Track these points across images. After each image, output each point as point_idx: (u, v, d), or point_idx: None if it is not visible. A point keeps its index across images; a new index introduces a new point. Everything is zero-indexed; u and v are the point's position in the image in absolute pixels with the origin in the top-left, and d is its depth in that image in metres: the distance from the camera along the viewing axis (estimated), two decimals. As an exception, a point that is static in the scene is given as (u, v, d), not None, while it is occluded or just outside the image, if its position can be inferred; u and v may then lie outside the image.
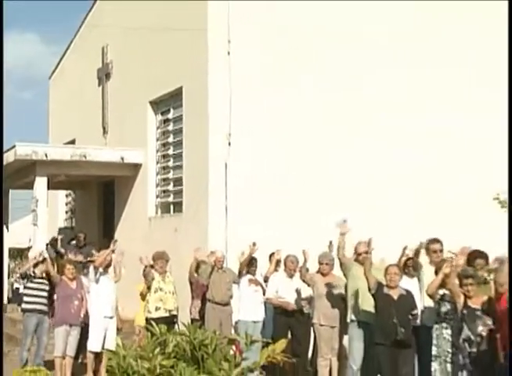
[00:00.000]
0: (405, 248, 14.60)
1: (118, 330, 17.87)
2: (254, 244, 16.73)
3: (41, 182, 21.79)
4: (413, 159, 19.96)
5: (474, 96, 20.84)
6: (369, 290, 14.12)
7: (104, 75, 25.63)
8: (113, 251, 17.37)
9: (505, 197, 17.68)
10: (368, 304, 14.28)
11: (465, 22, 21.10)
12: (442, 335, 13.27)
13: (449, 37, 20.80)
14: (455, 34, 20.91)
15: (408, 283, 14.43)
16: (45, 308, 17.15)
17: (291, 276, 16.45)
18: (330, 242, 15.74)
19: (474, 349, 12.59)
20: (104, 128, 25.42)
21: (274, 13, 19.29)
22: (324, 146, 19.31)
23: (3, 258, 16.33)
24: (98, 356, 16.63)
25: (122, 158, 22.57)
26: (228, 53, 19.06)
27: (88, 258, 17.91)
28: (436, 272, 13.64)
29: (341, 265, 15.05)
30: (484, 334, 12.57)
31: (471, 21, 21.21)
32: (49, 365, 16.57)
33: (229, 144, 19.03)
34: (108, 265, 17.47)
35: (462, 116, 20.65)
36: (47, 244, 23.28)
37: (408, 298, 14.03)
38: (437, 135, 20.33)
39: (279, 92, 19.14)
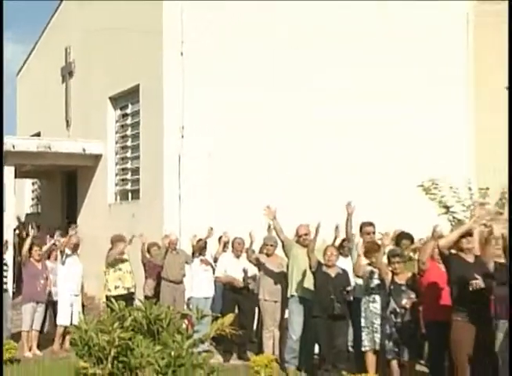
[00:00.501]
0: (336, 228, 14.85)
1: (84, 306, 18.00)
2: (212, 229, 16.90)
3: (8, 172, 21.69)
4: (353, 147, 20.11)
5: (413, 90, 20.98)
6: (310, 268, 14.30)
7: (67, 73, 25.55)
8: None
9: (429, 184, 18.01)
10: (307, 281, 14.48)
11: (411, 20, 21.19)
12: (369, 308, 13.52)
13: (395, 35, 20.89)
14: (401, 30, 21.00)
15: (343, 263, 14.64)
16: (5, 286, 17.13)
17: (238, 257, 16.60)
18: (269, 225, 15.88)
19: (399, 320, 12.86)
20: (67, 122, 25.36)
21: (224, 14, 19.32)
22: (270, 138, 19.40)
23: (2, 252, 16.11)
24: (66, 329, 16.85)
25: (84, 149, 22.57)
26: (182, 54, 19.13)
27: (52, 242, 17.93)
28: (365, 253, 13.91)
29: (283, 246, 15.19)
30: (408, 306, 12.84)
31: (417, 19, 21.31)
32: (16, 338, 16.63)
33: (182, 137, 19.13)
34: (75, 249, 17.60)
35: (402, 108, 20.84)
36: (14, 229, 23.32)
37: (343, 275, 14.23)
38: (375, 127, 20.47)
39: (229, 89, 19.22)
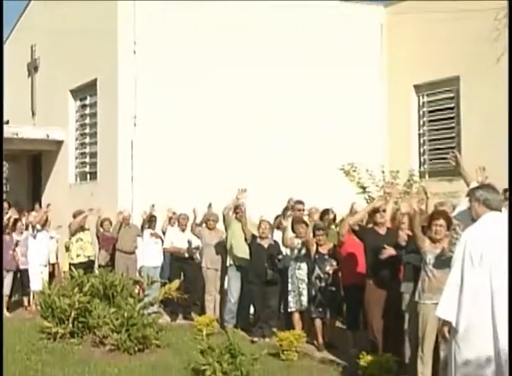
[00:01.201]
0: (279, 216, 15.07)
1: (51, 274, 18.10)
2: (153, 206, 17.00)
3: (-21, 156, 21.59)
4: (287, 137, 20.18)
5: (338, 89, 21.12)
6: (246, 240, 14.53)
7: (33, 68, 25.31)
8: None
9: (349, 168, 18.29)
10: (243, 251, 14.68)
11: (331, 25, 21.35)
12: (296, 275, 13.70)
13: (320, 38, 21.04)
14: (324, 35, 21.14)
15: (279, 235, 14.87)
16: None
17: (183, 230, 16.71)
18: (210, 204, 16.14)
19: (323, 284, 13.09)
20: (33, 112, 25.14)
21: (174, 15, 19.31)
22: (211, 127, 19.45)
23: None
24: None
25: (47, 136, 22.47)
26: (134, 52, 19.19)
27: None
28: (292, 227, 14.15)
29: (224, 221, 15.39)
30: (330, 272, 13.06)
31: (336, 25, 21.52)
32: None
33: (135, 125, 19.21)
34: (44, 224, 17.71)
35: (330, 105, 20.97)
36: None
37: (275, 246, 14.47)
38: (305, 121, 20.58)
39: (177, 83, 19.23)
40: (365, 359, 10.27)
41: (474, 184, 8.66)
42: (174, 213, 16.93)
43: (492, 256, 7.63)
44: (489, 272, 7.61)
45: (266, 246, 14.39)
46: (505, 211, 8.17)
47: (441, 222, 10.29)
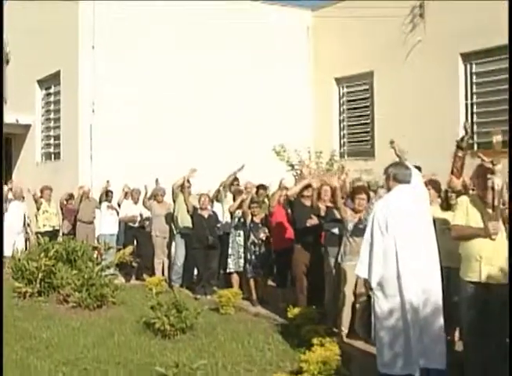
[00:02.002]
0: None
1: (27, 240, 17.95)
2: (108, 182, 16.90)
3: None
4: (227, 119, 20.27)
5: (271, 80, 21.24)
6: (188, 212, 14.55)
7: (5, 61, 25.09)
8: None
9: (279, 148, 18.41)
10: (187, 221, 14.70)
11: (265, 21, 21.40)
12: (236, 241, 13.77)
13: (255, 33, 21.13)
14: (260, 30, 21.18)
15: (218, 207, 14.95)
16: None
17: (136, 203, 16.65)
18: (157, 179, 16.14)
19: (257, 249, 13.18)
20: (4, 99, 24.90)
21: (129, 13, 19.19)
22: (160, 110, 19.40)
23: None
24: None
25: (17, 120, 22.16)
26: (93, 47, 19.03)
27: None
28: (234, 198, 14.20)
29: (173, 194, 15.37)
30: (263, 238, 13.14)
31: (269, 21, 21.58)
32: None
33: (93, 111, 19.09)
34: (18, 197, 17.52)
35: (264, 94, 21.15)
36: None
37: (214, 216, 14.55)
38: (242, 105, 20.67)
39: (130, 73, 19.16)
40: (292, 311, 10.34)
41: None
42: (128, 188, 16.86)
43: (395, 223, 7.78)
44: (394, 237, 7.76)
45: (206, 216, 14.43)
46: (415, 184, 8.31)
47: (363, 195, 10.56)
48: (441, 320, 7.95)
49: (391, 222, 7.78)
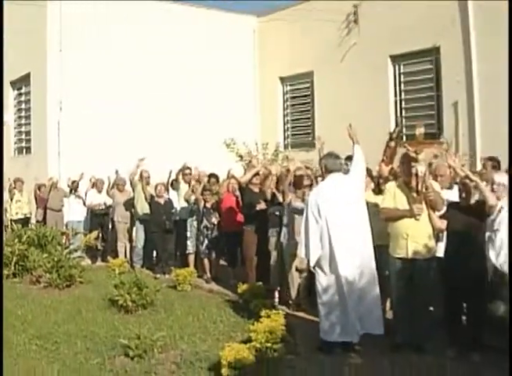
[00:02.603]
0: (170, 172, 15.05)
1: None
2: (82, 174, 16.70)
3: None
4: (182, 115, 20.19)
5: (222, 78, 21.16)
6: (146, 199, 14.49)
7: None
8: None
9: (229, 141, 18.44)
10: (145, 208, 14.63)
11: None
12: (192, 225, 13.75)
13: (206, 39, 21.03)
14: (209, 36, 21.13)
15: (173, 195, 14.89)
16: None
17: (100, 192, 16.48)
18: (116, 170, 15.93)
19: (210, 232, 13.22)
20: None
21: (94, 17, 19.01)
22: (120, 110, 19.20)
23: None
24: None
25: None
26: (60, 50, 18.84)
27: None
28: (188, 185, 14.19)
29: (131, 184, 15.31)
30: (215, 223, 13.15)
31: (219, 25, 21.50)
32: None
33: (60, 109, 18.91)
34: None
35: (215, 91, 21.01)
36: None
37: (169, 202, 14.52)
38: (197, 102, 20.58)
39: (94, 75, 18.96)
40: (242, 288, 10.38)
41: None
42: (95, 179, 16.74)
43: (327, 208, 7.90)
44: (326, 220, 7.87)
45: (162, 203, 14.39)
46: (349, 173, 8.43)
47: (304, 182, 10.61)
48: (376, 290, 8.11)
49: (322, 207, 7.92)
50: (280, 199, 10.92)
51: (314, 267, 8.18)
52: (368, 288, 8.05)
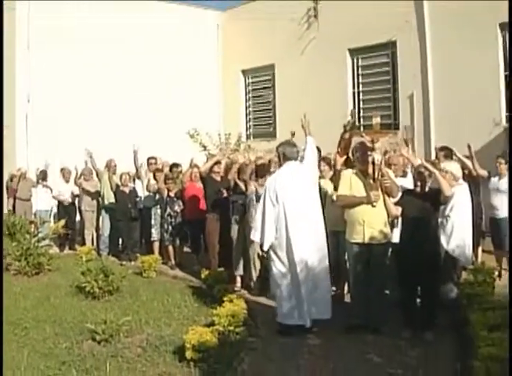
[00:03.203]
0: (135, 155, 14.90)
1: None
2: (47, 163, 16.56)
3: None
4: (146, 105, 20.04)
5: (187, 72, 21.07)
6: (111, 189, 14.42)
7: None
8: None
9: (193, 132, 18.45)
10: (111, 197, 14.53)
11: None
12: (157, 213, 13.69)
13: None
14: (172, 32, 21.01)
15: (138, 184, 14.83)
16: None
17: (67, 181, 16.31)
18: (86, 161, 15.76)
19: (173, 220, 13.20)
20: None
21: (60, 18, 18.77)
22: (86, 101, 19.02)
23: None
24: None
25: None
26: (28, 47, 18.67)
27: None
28: (154, 175, 14.13)
29: (97, 174, 15.21)
30: (178, 211, 13.14)
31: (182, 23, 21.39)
32: None
33: (28, 101, 18.74)
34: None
35: (179, 85, 20.88)
36: None
37: (134, 191, 14.46)
38: (161, 94, 20.46)
39: (59, 70, 18.79)
40: (205, 273, 10.43)
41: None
42: (63, 169, 16.60)
43: (284, 194, 7.95)
44: (283, 206, 7.91)
45: (128, 192, 14.32)
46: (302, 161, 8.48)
47: (266, 171, 10.63)
48: (327, 276, 8.20)
49: (280, 193, 7.96)
50: (243, 188, 10.93)
51: (267, 251, 8.23)
52: (320, 274, 8.12)
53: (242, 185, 10.96)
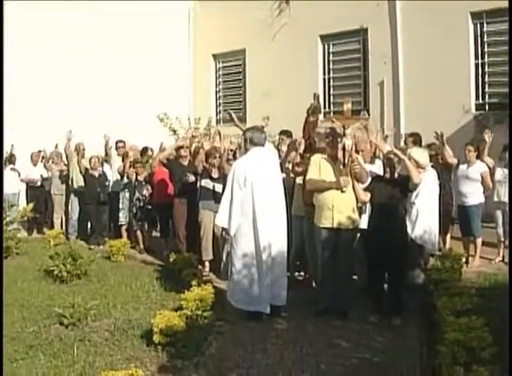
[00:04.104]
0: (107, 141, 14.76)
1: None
2: (12, 146, 16.33)
3: None
4: (118, 91, 19.76)
5: (155, 56, 20.90)
6: (81, 172, 14.31)
7: None
8: None
9: (163, 116, 18.37)
10: (80, 180, 14.38)
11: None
12: (125, 197, 13.58)
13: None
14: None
15: (107, 168, 14.72)
16: None
17: (35, 165, 16.08)
18: (56, 144, 15.64)
19: (142, 204, 13.17)
20: None
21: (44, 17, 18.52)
22: (60, 89, 18.70)
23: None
24: None
25: None
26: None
27: None
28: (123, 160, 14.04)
29: (67, 157, 15.09)
30: (147, 195, 13.07)
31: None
32: None
33: None
34: None
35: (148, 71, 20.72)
36: None
37: (103, 175, 14.33)
38: (133, 80, 20.22)
39: (29, 54, 18.52)
40: (173, 257, 10.39)
41: None
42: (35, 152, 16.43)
43: (252, 178, 7.92)
44: (251, 190, 7.90)
45: (97, 175, 14.19)
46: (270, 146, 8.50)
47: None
48: (285, 262, 8.21)
49: (248, 178, 7.93)
50: (213, 173, 10.86)
51: (232, 237, 8.17)
52: (279, 260, 8.12)
53: (214, 171, 10.89)
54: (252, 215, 7.91)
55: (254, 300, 7.96)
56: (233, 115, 9.36)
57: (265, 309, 7.95)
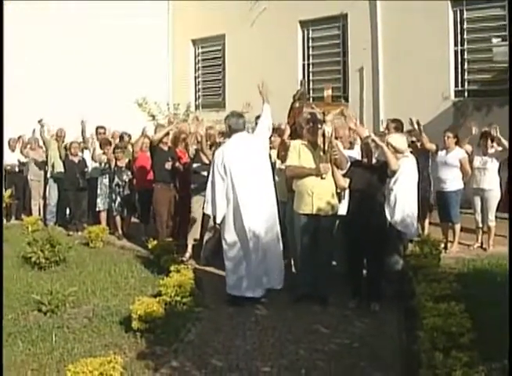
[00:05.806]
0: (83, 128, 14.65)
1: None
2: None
3: None
4: (98, 77, 19.54)
5: (136, 45, 20.70)
6: (60, 158, 14.20)
7: None
8: None
9: (142, 101, 18.25)
10: (59, 166, 14.30)
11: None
12: (103, 183, 13.44)
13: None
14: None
15: (86, 154, 14.58)
16: None
17: (13, 150, 15.90)
18: (34, 130, 15.50)
19: (121, 189, 13.12)
20: None
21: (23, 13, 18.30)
22: (47, 77, 18.49)
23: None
24: None
25: None
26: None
27: None
28: (100, 145, 13.94)
29: (44, 143, 14.95)
30: (127, 180, 13.00)
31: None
32: None
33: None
34: None
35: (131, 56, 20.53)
36: None
37: (83, 162, 14.20)
38: (114, 66, 20.01)
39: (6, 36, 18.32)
40: (153, 244, 10.33)
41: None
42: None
43: (232, 166, 7.93)
44: (231, 178, 7.90)
45: (76, 161, 14.07)
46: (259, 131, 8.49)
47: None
48: (279, 246, 8.23)
49: (228, 165, 7.94)
50: (204, 158, 10.75)
51: (220, 224, 8.20)
52: (272, 244, 8.16)
53: (204, 155, 10.79)
54: (235, 202, 7.92)
55: (243, 285, 8.00)
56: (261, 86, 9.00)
57: (256, 294, 8.00)
